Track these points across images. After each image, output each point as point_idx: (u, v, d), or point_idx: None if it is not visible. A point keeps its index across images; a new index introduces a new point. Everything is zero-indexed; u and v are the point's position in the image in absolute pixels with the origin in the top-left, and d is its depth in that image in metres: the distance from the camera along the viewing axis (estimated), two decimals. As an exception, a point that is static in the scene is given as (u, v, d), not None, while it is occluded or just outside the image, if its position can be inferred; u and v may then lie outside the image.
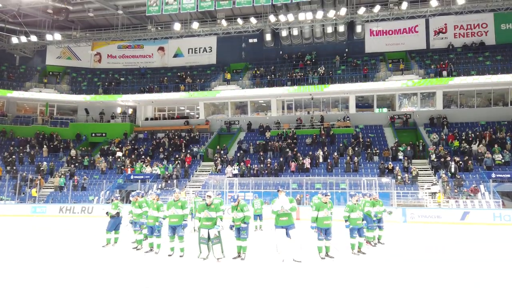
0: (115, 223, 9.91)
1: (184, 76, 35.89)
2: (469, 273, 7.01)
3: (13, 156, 30.74)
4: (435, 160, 24.13)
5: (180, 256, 8.18)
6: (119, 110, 38.33)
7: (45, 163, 30.41)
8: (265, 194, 21.75)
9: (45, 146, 33.06)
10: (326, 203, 8.47)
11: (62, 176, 28.09)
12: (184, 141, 31.85)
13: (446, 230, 15.18)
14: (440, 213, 19.05)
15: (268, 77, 33.33)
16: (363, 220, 8.90)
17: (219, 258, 7.49)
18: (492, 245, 11.35)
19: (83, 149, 33.56)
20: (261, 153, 27.92)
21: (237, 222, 8.08)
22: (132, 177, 27.33)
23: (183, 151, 30.45)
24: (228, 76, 34.54)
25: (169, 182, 25.74)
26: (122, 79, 37.75)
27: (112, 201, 10.32)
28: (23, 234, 13.11)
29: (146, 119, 37.77)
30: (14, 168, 29.51)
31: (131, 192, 10.32)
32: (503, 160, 23.29)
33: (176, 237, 8.25)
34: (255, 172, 25.41)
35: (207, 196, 8.01)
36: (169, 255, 8.31)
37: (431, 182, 22.72)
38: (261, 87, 32.85)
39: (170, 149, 31.10)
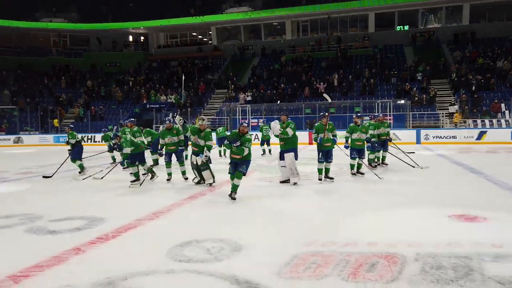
0: (79, 151, 9.79)
1: (194, 0, 34.32)
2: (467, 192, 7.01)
3: (33, 88, 31.34)
4: (456, 79, 23.12)
5: (168, 180, 8.42)
6: (131, 38, 37.67)
7: (63, 94, 30.95)
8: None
9: (63, 78, 33.40)
10: (325, 125, 8.28)
11: (80, 107, 28.70)
12: (198, 69, 31.43)
13: (459, 149, 15.00)
14: (455, 133, 18.72)
15: (282, -4, 31.48)
16: (365, 142, 8.82)
17: (210, 183, 7.66)
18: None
19: (100, 80, 33.76)
20: (275, 79, 27.38)
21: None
22: (148, 106, 27.66)
23: (197, 79, 30.18)
24: (240, -4, 32.83)
25: (183, 110, 25.92)
26: (131, 5, 36.46)
27: (68, 131, 9.93)
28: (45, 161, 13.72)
29: (159, 46, 37.12)
30: (36, 99, 30.26)
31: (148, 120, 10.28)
32: (528, 77, 22.09)
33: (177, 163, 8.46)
34: (268, 98, 25.15)
35: (200, 118, 7.98)
36: (168, 180, 8.54)
37: (450, 102, 22.00)
38: (274, 7, 31.25)
39: (184, 78, 30.83)
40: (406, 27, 31.57)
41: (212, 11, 33.04)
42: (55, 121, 27.36)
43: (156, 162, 10.76)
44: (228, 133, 14.88)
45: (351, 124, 8.90)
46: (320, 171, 8.36)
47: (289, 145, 7.77)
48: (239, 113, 22.60)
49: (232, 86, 27.73)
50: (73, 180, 8.82)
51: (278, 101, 22.79)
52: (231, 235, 4.43)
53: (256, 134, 16.66)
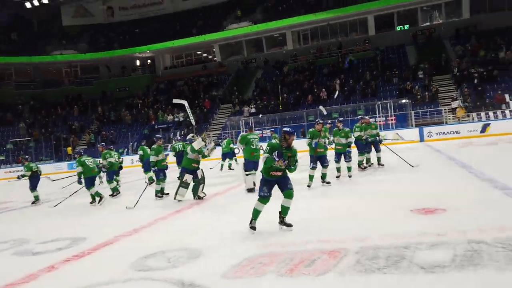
0: (36, 180, 10.26)
1: (195, 20, 35.22)
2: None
3: (47, 119, 32.57)
4: (458, 73, 22.93)
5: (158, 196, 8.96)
6: (138, 62, 38.78)
7: (76, 122, 32.01)
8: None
9: (75, 106, 34.56)
10: (319, 131, 8.37)
11: (91, 133, 29.62)
12: (203, 86, 32.09)
13: (460, 144, 14.88)
14: (459, 128, 18.55)
15: (280, 7, 31.98)
16: (348, 146, 8.94)
17: (201, 196, 8.00)
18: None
19: (110, 105, 34.76)
20: (277, 90, 27.68)
21: None
22: (156, 126, 28.35)
23: (202, 96, 30.79)
24: (239, 13, 33.48)
25: (190, 128, 26.47)
26: (136, 30, 37.62)
27: (24, 164, 10.62)
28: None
29: (165, 68, 38.02)
30: (49, 129, 31.39)
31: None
32: (533, 66, 21.73)
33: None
34: (272, 109, 25.45)
35: (192, 136, 8.36)
36: (161, 195, 8.94)
37: (451, 98, 21.83)
38: (274, 19, 31.78)
39: (190, 96, 31.52)
40: (407, 27, 31.48)
41: (214, 29, 33.74)
42: (69, 148, 28.31)
43: (152, 179, 11.09)
44: (234, 146, 15.24)
45: (334, 129, 9.07)
46: (311, 177, 8.37)
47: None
48: (242, 126, 22.95)
49: (236, 100, 28.16)
50: (70, 204, 9.23)
51: (260, 115, 23.45)
52: (198, 244, 4.69)
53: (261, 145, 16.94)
